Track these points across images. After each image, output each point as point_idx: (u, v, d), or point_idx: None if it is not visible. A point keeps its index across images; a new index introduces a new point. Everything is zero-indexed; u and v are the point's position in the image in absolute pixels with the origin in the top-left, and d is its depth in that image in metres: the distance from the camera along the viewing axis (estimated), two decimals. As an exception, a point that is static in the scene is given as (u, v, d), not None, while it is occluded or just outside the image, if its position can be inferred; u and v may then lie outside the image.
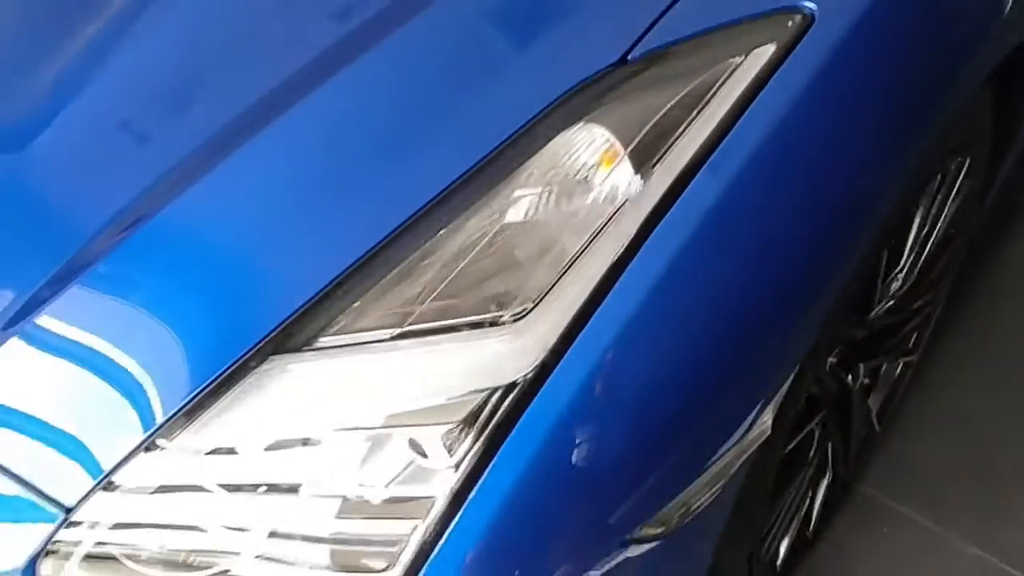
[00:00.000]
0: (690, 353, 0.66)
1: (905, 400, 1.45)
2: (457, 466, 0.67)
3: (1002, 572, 1.31)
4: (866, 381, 1.26)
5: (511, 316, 0.66)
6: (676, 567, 0.84)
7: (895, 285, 1.10)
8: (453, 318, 0.68)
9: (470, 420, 0.66)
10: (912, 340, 1.31)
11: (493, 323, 0.67)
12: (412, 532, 0.68)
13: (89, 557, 0.74)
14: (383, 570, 0.69)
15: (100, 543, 0.74)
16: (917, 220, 1.03)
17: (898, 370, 1.33)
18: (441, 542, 0.67)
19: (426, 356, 0.68)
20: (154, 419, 0.71)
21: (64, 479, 0.73)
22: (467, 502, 0.66)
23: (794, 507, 1.20)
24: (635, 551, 0.73)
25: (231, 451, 0.72)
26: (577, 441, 0.66)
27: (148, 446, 0.73)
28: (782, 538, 1.20)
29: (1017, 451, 1.40)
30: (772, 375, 0.72)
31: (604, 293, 0.65)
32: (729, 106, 0.67)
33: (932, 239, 1.10)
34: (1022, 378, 1.48)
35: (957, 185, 1.07)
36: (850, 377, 1.19)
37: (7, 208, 0.90)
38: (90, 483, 0.73)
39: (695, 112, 0.67)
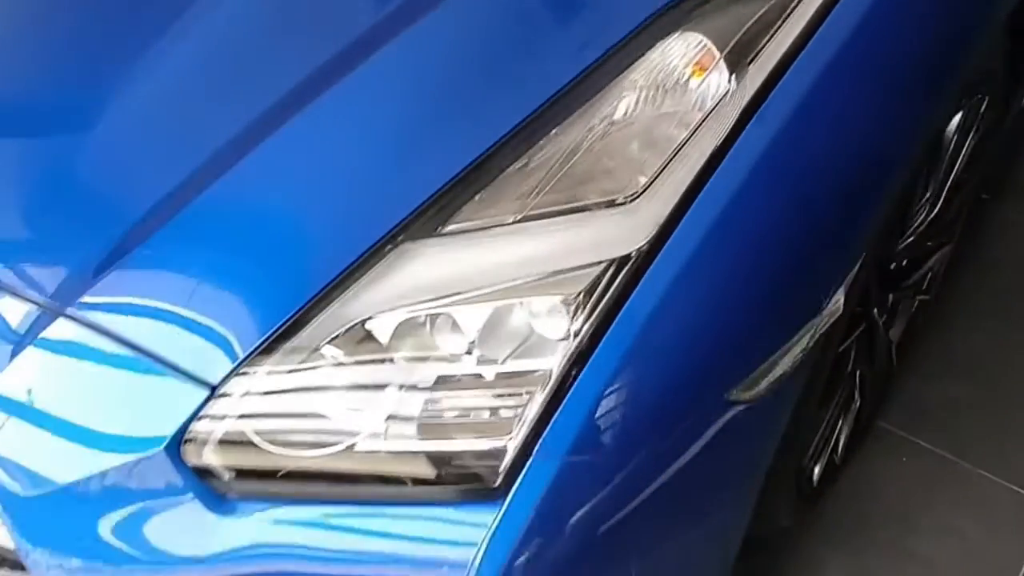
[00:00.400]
0: (783, 229, 0.76)
1: (921, 343, 1.56)
2: (576, 335, 0.75)
3: (1011, 492, 1.42)
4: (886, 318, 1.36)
5: (624, 198, 0.75)
6: (747, 453, 0.93)
7: (920, 217, 1.20)
8: (569, 204, 0.77)
9: (588, 291, 0.74)
10: (927, 281, 1.42)
11: (608, 205, 0.76)
12: (529, 403, 0.75)
13: (224, 441, 0.81)
14: (501, 438, 0.76)
15: (233, 428, 0.81)
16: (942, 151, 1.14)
17: (914, 308, 1.44)
18: (558, 411, 0.74)
19: (546, 235, 0.76)
20: (293, 304, 0.79)
21: (207, 362, 0.80)
22: (584, 369, 0.74)
23: (827, 432, 1.30)
24: (722, 420, 0.82)
25: (364, 330, 0.79)
26: (685, 307, 0.74)
27: (283, 332, 0.80)
28: (817, 462, 1.30)
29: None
30: (847, 256, 0.82)
31: (706, 178, 0.75)
32: (811, 14, 0.77)
33: (953, 174, 1.21)
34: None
35: (976, 122, 1.18)
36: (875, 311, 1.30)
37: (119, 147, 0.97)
38: (231, 365, 0.80)
39: (781, 20, 0.77)
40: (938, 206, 1.24)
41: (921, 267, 1.37)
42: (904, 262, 1.32)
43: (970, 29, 0.94)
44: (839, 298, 0.82)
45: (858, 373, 1.31)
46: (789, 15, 0.77)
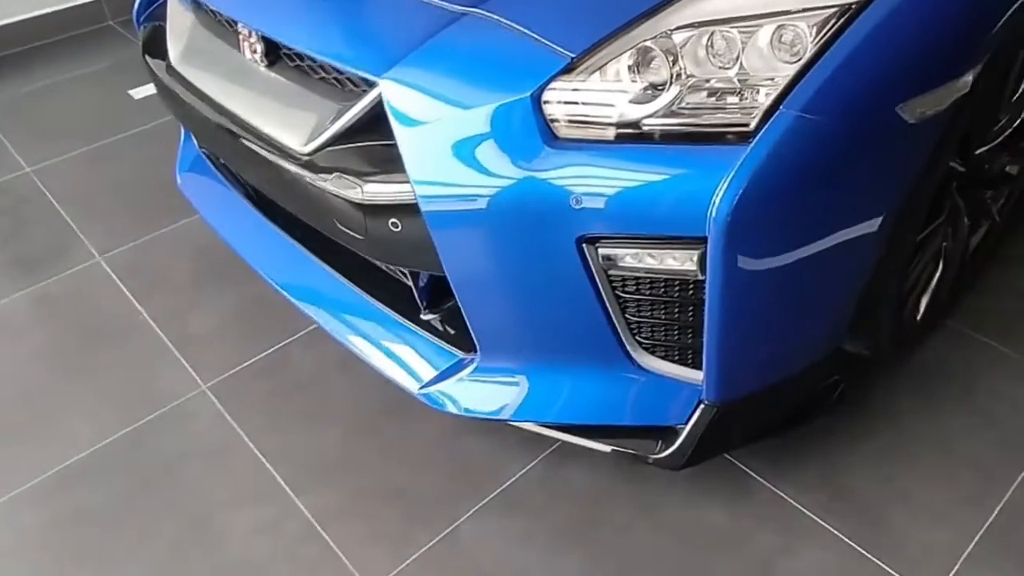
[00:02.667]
0: (948, 11, 1.24)
1: (986, 267, 2.00)
2: (806, 51, 1.21)
3: (1052, 376, 1.82)
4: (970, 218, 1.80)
5: (846, -21, 1.24)
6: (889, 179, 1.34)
7: (1003, 122, 1.67)
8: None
9: (820, 25, 1.21)
10: (1000, 203, 1.87)
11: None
12: (767, 99, 1.21)
13: (561, 108, 1.27)
14: (748, 116, 1.21)
15: (568, 104, 1.27)
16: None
17: (983, 230, 1.89)
18: (786, 99, 1.20)
19: (796, -7, 1.24)
20: (631, 14, 1.26)
21: (568, 41, 1.27)
22: (812, 71, 1.20)
23: (918, 280, 1.71)
24: (886, 130, 1.25)
25: (669, 40, 1.25)
26: (883, 37, 1.20)
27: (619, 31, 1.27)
28: (906, 304, 1.71)
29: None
30: (978, 49, 1.29)
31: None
32: None
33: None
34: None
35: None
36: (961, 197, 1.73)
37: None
38: (585, 45, 1.26)
39: None
40: (1015, 124, 1.71)
41: (997, 187, 1.83)
42: (988, 171, 1.77)
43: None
44: (968, 79, 1.29)
45: (944, 244, 1.74)
46: None
